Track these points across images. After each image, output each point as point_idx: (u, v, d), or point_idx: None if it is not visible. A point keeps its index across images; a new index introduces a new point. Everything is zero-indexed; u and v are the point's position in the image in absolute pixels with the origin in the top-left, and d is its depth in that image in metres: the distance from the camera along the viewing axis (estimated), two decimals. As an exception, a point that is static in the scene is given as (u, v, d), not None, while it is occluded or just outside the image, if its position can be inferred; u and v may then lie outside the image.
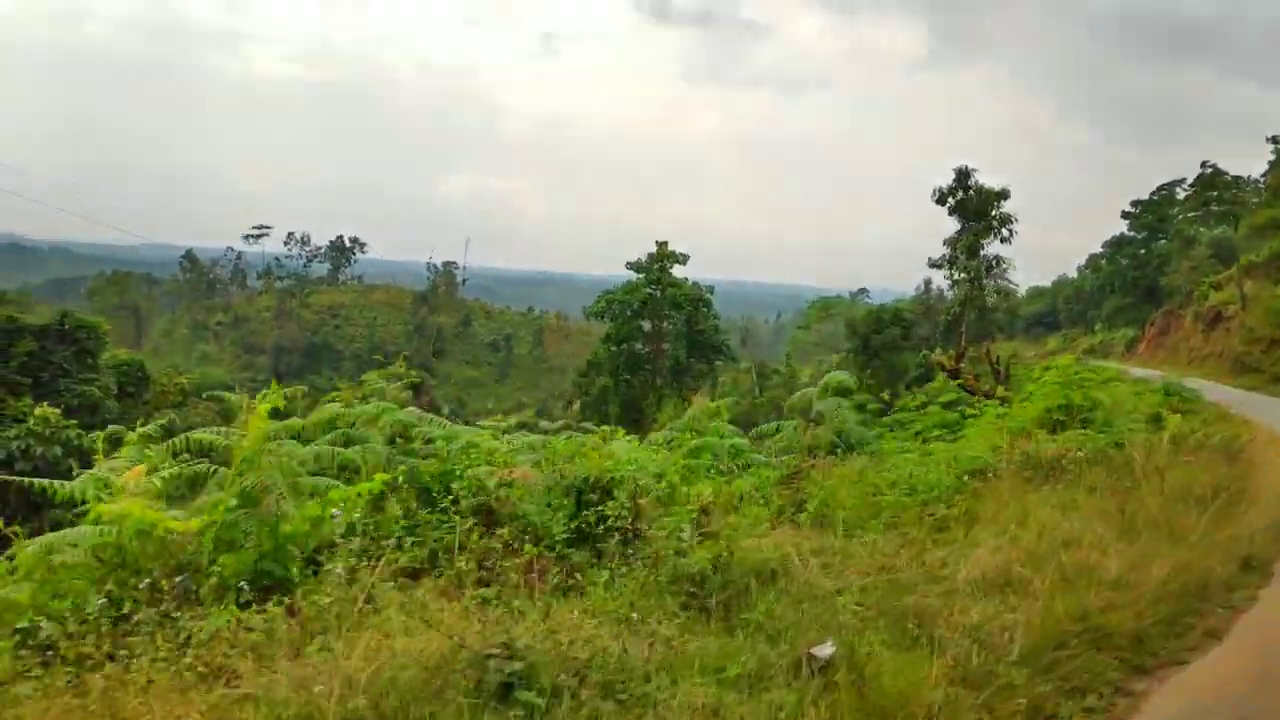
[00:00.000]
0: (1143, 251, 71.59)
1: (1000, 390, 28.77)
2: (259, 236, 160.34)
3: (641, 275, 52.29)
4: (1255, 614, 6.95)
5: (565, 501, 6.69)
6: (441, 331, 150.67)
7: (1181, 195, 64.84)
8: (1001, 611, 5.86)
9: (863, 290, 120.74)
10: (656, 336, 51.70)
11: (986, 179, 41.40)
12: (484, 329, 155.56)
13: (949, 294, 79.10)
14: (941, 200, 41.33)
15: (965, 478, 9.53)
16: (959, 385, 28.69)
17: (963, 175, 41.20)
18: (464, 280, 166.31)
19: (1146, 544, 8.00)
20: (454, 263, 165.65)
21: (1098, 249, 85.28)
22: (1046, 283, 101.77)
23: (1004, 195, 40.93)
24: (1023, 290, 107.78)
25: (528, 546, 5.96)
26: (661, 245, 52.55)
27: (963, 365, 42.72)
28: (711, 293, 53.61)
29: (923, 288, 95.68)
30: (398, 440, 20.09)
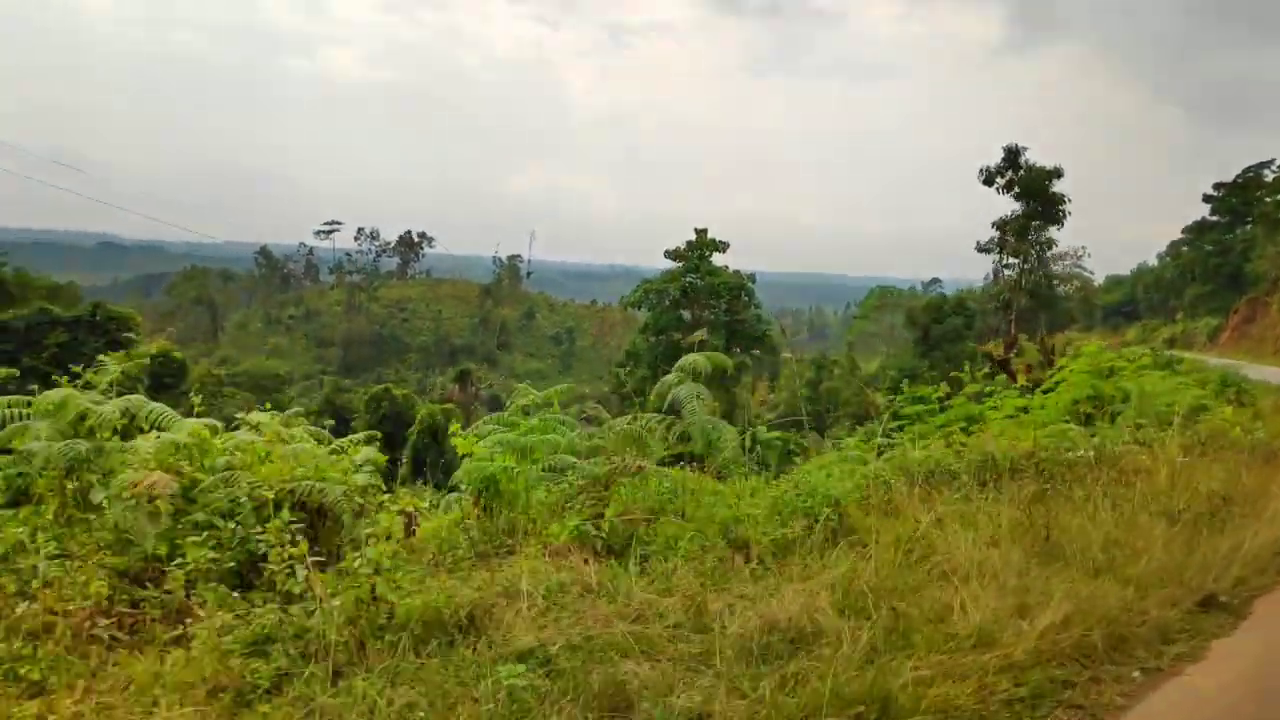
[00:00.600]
0: (1227, 237, 66.68)
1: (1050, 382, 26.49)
2: (330, 232, 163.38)
3: (680, 264, 50.52)
4: (1177, 686, 4.95)
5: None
6: (505, 324, 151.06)
7: (1270, 177, 59.96)
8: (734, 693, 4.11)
9: (935, 280, 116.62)
10: (695, 326, 49.85)
11: (1050, 160, 38.45)
12: (547, 321, 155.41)
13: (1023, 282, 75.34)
14: (989, 180, 38.40)
15: (870, 487, 7.62)
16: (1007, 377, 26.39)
17: (1012, 154, 38.17)
18: (529, 274, 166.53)
19: (1065, 575, 6.07)
20: (518, 256, 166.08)
21: (1179, 235, 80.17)
22: (1126, 271, 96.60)
23: (1057, 174, 37.81)
24: (1100, 279, 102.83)
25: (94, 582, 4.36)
26: (700, 232, 50.67)
27: (1013, 355, 39.92)
28: (753, 280, 51.44)
29: (991, 276, 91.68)
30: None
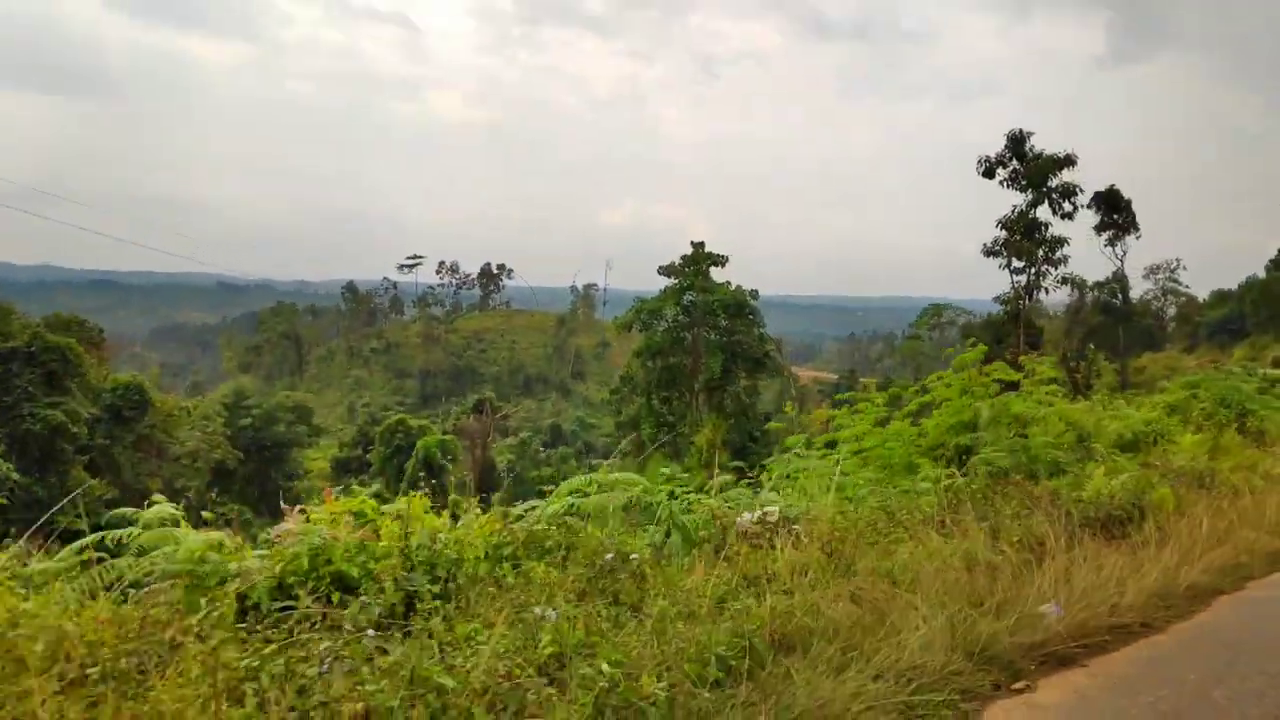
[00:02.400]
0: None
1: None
2: (413, 266, 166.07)
3: (676, 281, 46.74)
4: None
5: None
6: (580, 353, 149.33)
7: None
8: None
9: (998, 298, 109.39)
10: (693, 348, 45.89)
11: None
12: (622, 350, 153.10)
13: (1086, 296, 68.28)
14: (989, 172, 33.11)
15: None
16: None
17: (1017, 141, 32.80)
18: (605, 302, 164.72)
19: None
20: (594, 285, 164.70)
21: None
22: (1234, 285, 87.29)
23: (1068, 162, 32.23)
24: (1205, 293, 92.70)
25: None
26: (698, 246, 46.80)
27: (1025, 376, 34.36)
28: (756, 298, 47.08)
29: (1074, 293, 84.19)
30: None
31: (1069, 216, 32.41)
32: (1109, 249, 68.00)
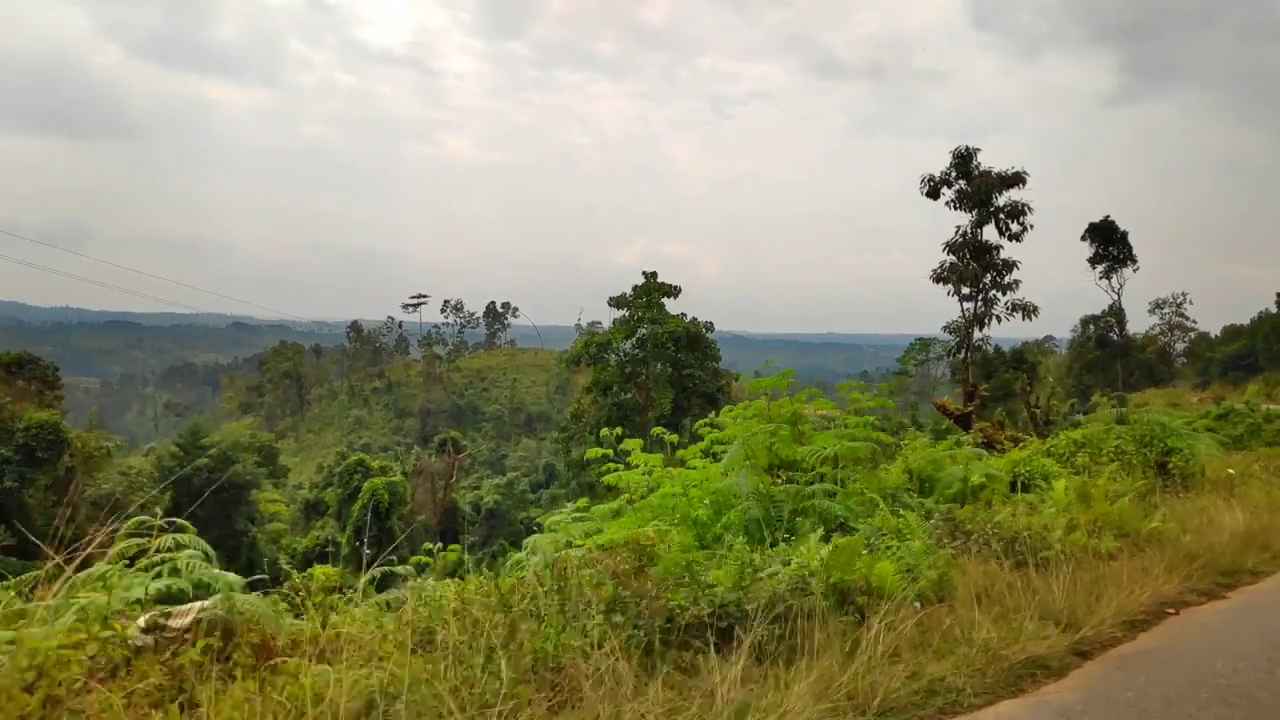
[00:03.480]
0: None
1: (1035, 444, 18.88)
2: (418, 305, 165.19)
3: (625, 312, 44.36)
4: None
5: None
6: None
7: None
8: None
9: (1049, 338, 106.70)
10: (644, 384, 43.37)
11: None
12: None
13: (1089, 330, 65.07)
14: (934, 192, 30.51)
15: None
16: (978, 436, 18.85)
17: (963, 159, 30.22)
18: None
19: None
20: (598, 323, 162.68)
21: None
22: (1247, 320, 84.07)
23: (1017, 180, 29.57)
24: (1217, 329, 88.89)
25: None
26: (649, 276, 44.47)
27: (974, 407, 31.45)
28: (711, 330, 44.54)
29: (1079, 328, 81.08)
30: None
31: (1017, 238, 29.62)
32: (1104, 281, 65.02)
